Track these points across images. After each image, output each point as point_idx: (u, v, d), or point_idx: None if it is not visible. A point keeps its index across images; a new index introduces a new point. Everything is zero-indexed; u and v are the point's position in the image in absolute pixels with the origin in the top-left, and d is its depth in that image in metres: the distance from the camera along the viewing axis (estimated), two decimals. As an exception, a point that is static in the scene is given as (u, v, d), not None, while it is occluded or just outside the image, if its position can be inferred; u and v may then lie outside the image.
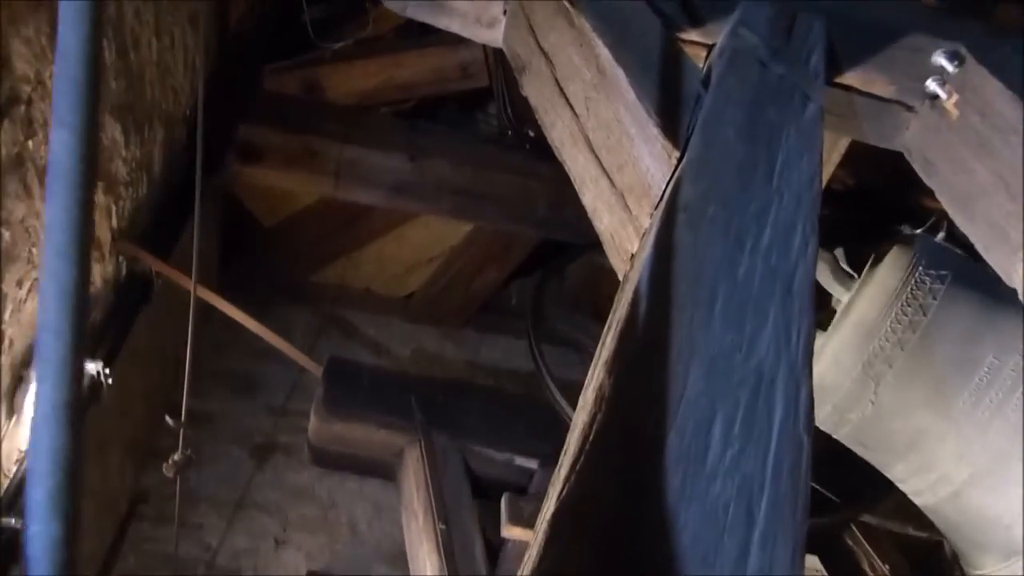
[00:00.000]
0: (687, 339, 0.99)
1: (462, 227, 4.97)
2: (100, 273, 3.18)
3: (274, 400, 4.68)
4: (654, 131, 1.54)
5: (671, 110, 1.55)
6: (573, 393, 3.41)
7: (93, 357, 2.90)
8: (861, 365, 2.15)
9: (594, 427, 0.87)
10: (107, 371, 2.91)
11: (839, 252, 2.39)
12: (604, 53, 1.61)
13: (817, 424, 1.89)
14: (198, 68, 3.29)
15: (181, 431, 2.82)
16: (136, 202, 3.50)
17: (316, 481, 4.31)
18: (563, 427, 3.13)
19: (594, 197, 1.72)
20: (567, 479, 0.81)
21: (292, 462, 4.38)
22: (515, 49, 1.99)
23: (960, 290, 2.26)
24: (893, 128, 2.12)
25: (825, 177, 2.39)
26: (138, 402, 3.80)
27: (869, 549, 3.42)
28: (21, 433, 2.67)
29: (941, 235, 4.10)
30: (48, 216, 0.87)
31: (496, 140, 4.63)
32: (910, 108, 2.04)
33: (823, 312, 2.26)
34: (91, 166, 0.87)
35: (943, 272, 2.32)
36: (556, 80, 1.84)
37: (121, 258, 3.33)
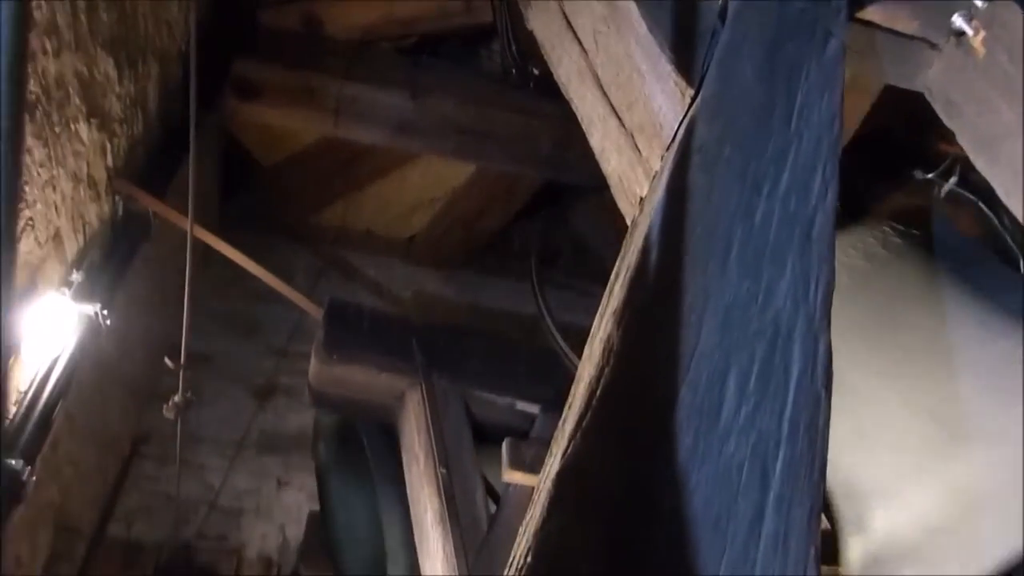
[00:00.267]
0: (701, 288, 0.94)
1: (465, 168, 4.88)
2: (97, 212, 3.12)
3: (275, 341, 4.66)
4: (667, 67, 1.46)
5: (685, 45, 1.47)
6: (575, 336, 3.38)
7: (90, 298, 2.87)
8: None
9: (601, 381, 0.82)
10: (105, 312, 2.88)
11: None
12: (615, -17, 1.52)
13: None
14: (191, 1, 3.18)
15: (181, 373, 2.79)
16: (132, 140, 3.42)
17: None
18: (565, 372, 3.10)
19: (602, 137, 1.65)
20: (572, 436, 0.77)
21: (294, 403, 4.39)
22: (521, -20, 1.89)
23: (914, 254, 2.25)
24: (915, 67, 2.03)
25: (855, 123, 2.31)
26: (139, 343, 3.78)
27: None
28: (19, 373, 2.65)
29: (954, 180, 4.02)
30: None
31: (500, 78, 4.50)
32: (934, 46, 1.95)
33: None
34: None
35: (912, 230, 2.32)
36: (564, 13, 1.75)
37: (118, 197, 3.27)
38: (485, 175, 4.88)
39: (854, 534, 1.88)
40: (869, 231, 2.18)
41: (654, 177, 1.39)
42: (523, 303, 5.03)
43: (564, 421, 0.95)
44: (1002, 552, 1.80)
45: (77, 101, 2.76)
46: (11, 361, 2.56)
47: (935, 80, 2.01)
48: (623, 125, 1.56)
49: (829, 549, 1.91)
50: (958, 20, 1.85)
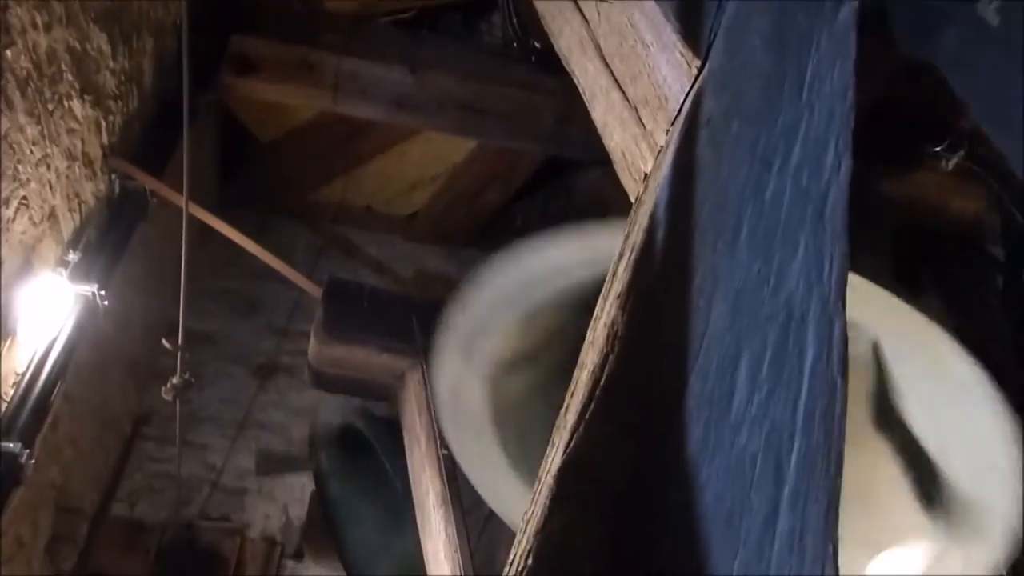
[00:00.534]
0: (710, 270, 0.89)
1: (465, 144, 4.81)
2: (92, 191, 3.08)
3: (276, 320, 4.63)
4: (672, 37, 1.40)
5: (691, 15, 1.41)
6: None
7: (87, 279, 2.83)
8: None
9: (605, 369, 0.78)
10: (102, 293, 2.84)
11: None
12: (618, -50, 1.46)
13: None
14: (185, -28, 3.11)
15: (179, 354, 2.76)
16: (127, 117, 3.36)
17: (320, 401, 4.29)
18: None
19: (604, 111, 1.59)
20: (575, 428, 0.73)
21: (295, 382, 4.37)
22: (520, -52, 1.83)
23: None
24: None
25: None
26: (137, 323, 3.75)
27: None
28: (16, 355, 2.62)
29: (962, 153, 3.95)
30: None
31: (500, 52, 4.42)
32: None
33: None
34: None
35: None
36: (565, -18, 1.69)
37: (114, 175, 3.22)
38: (486, 151, 4.82)
39: None
40: None
41: (659, 152, 1.34)
42: (525, 280, 4.98)
43: (566, 410, 0.90)
44: None
45: (70, 77, 2.71)
46: (7, 343, 2.53)
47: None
48: (626, 98, 1.50)
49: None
50: (973, -13, 1.79)
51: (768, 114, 1.19)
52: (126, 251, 3.17)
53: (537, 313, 1.88)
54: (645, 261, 0.90)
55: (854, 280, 0.93)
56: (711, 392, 0.77)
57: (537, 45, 4.33)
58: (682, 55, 1.36)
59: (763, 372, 0.81)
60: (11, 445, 2.44)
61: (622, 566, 0.63)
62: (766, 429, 0.75)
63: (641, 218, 1.05)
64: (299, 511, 3.93)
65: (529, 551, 0.64)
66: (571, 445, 0.71)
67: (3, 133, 2.33)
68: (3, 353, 2.53)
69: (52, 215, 2.73)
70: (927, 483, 1.75)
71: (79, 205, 2.93)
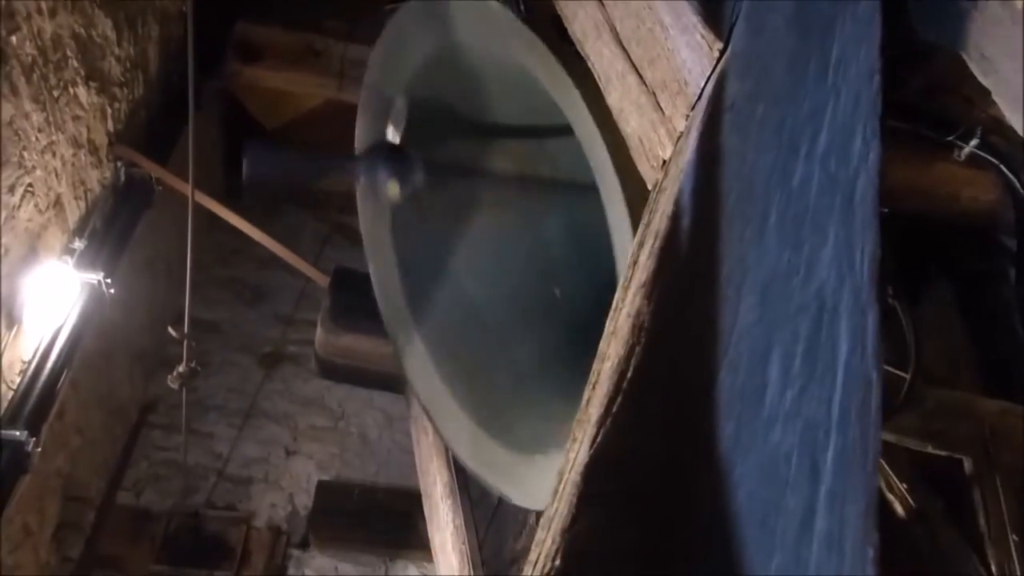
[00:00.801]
0: (738, 259, 0.85)
1: (474, 131, 4.76)
2: (98, 178, 3.05)
3: (282, 309, 4.61)
4: (692, 19, 1.36)
5: (712, -4, 1.37)
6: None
7: (93, 266, 2.80)
8: None
9: (632, 362, 0.74)
10: (108, 281, 2.82)
11: None
12: (635, -73, 1.42)
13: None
14: (190, -43, 3.06)
15: (185, 342, 2.73)
16: (132, 104, 3.33)
17: (326, 391, 4.28)
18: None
19: (620, 96, 1.55)
20: (601, 422, 0.70)
21: (301, 371, 4.35)
22: (533, -72, 1.79)
23: None
24: (949, 21, 1.93)
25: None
26: (144, 311, 3.73)
27: (886, 467, 3.36)
28: (22, 343, 2.60)
29: (975, 143, 3.89)
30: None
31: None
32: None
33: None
34: None
35: None
36: (579, -37, 1.64)
37: (119, 163, 3.19)
38: (495, 140, 4.77)
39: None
40: None
41: (679, 138, 1.30)
42: (533, 270, 4.95)
43: (587, 403, 0.87)
44: None
45: (75, 63, 2.68)
46: (13, 331, 2.51)
47: (970, 34, 1.91)
48: (644, 82, 1.46)
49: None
50: (999, -30, 1.75)
51: (793, 98, 1.16)
52: (132, 239, 3.15)
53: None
54: (670, 250, 0.87)
55: None
56: (742, 387, 0.73)
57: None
58: (703, 37, 1.32)
59: (796, 366, 0.77)
60: (17, 433, 2.42)
61: (655, 569, 0.60)
62: (800, 426, 0.72)
63: (664, 205, 1.02)
64: (305, 500, 3.92)
65: (556, 551, 0.61)
66: (597, 441, 0.68)
67: (8, 119, 2.30)
68: (9, 341, 2.50)
69: (58, 203, 2.70)
70: None
71: (84, 193, 2.90)
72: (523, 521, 2.40)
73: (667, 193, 1.09)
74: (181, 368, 2.77)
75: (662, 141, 1.40)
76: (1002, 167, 3.98)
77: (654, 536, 0.62)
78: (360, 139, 2.28)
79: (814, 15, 1.34)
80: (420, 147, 2.16)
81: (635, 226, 1.64)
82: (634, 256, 1.09)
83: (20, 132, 2.40)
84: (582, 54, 1.72)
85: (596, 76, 1.66)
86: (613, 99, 1.60)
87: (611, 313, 1.05)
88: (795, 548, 0.63)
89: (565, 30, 1.73)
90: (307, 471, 4.04)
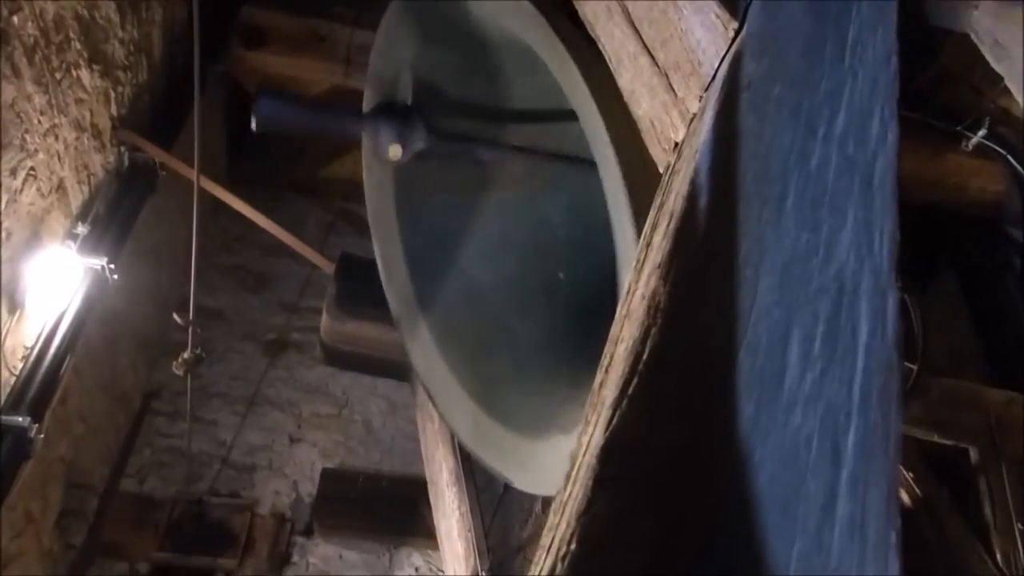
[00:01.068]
0: (756, 239, 0.83)
1: (479, 119, 4.74)
2: (101, 163, 3.03)
3: (286, 296, 4.60)
4: (707, -1, 1.33)
5: (726, -25, 1.34)
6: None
7: (96, 252, 2.79)
8: None
9: (648, 343, 0.73)
10: (112, 266, 2.80)
11: None
12: (647, -96, 1.39)
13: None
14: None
15: (190, 329, 2.72)
16: (136, 88, 3.31)
17: (330, 378, 4.27)
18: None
19: (632, 78, 1.53)
20: (616, 405, 0.68)
21: (305, 359, 4.34)
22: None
23: None
24: (963, 6, 1.90)
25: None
26: (147, 297, 3.72)
27: (892, 455, 3.33)
28: (24, 329, 2.59)
29: (983, 133, 3.87)
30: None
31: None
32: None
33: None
34: None
35: None
36: (590, -57, 1.62)
37: (123, 148, 3.18)
38: (500, 127, 4.75)
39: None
40: None
41: (692, 119, 1.28)
42: (538, 259, 4.94)
43: (600, 386, 0.86)
44: None
45: (78, 46, 2.65)
46: (15, 316, 2.49)
47: (982, 21, 1.89)
48: (656, 64, 1.44)
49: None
50: (1012, -46, 1.72)
51: (810, 79, 1.13)
52: (136, 225, 3.13)
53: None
54: (687, 230, 0.85)
55: None
56: (761, 369, 0.71)
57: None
58: (718, 17, 1.30)
59: (816, 349, 0.76)
60: (20, 419, 2.41)
61: (674, 554, 0.58)
62: (821, 409, 0.70)
63: (678, 186, 0.99)
64: (309, 488, 3.92)
65: (572, 535, 0.59)
66: (614, 423, 0.66)
67: (9, 101, 2.28)
68: (11, 326, 2.49)
69: (60, 187, 2.69)
70: None
71: (88, 177, 2.89)
72: (529, 509, 2.39)
73: (681, 174, 1.07)
74: (185, 355, 2.76)
75: (674, 123, 1.38)
76: (1009, 158, 3.95)
77: (672, 520, 0.61)
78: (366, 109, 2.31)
79: (830, -4, 1.32)
80: (425, 119, 2.17)
81: (634, 202, 1.62)
82: (647, 238, 1.07)
83: (22, 114, 2.38)
84: (593, 36, 1.70)
85: (607, 58, 1.64)
86: (624, 81, 1.58)
87: (623, 296, 1.04)
88: (817, 533, 0.61)
89: (576, 13, 1.71)
90: (311, 458, 4.04)
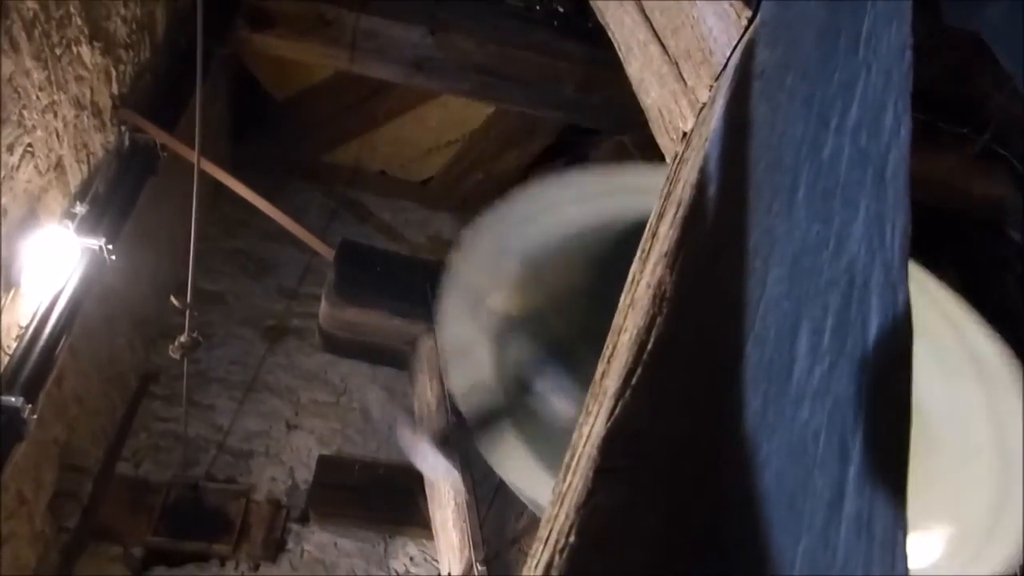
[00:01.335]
0: (765, 230, 0.81)
1: (483, 109, 4.71)
2: (101, 142, 3.00)
3: (286, 282, 4.58)
4: (720, -14, 1.31)
5: (740, -37, 1.32)
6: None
7: (95, 232, 2.77)
8: None
9: (653, 332, 0.71)
10: (110, 247, 2.78)
11: None
12: None
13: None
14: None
15: (187, 312, 2.70)
16: (138, 67, 3.28)
17: (328, 365, 4.26)
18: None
19: (641, 66, 1.51)
20: (619, 395, 0.66)
21: (304, 346, 4.32)
22: None
23: None
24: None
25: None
26: (147, 279, 3.70)
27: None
28: (20, 308, 2.57)
29: (988, 136, 3.84)
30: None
31: (523, 14, 4.30)
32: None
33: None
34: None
35: None
36: (601, -72, 1.59)
37: (123, 127, 3.15)
38: (504, 117, 4.72)
39: None
40: None
41: (702, 109, 1.26)
42: (539, 251, 4.91)
43: (602, 376, 0.84)
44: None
45: (79, 22, 2.62)
46: (10, 295, 2.47)
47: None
48: (666, 52, 1.42)
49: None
50: (1029, -48, 1.70)
51: (823, 70, 1.11)
52: (135, 205, 3.10)
53: (541, 265, 1.79)
54: (695, 218, 0.83)
55: None
56: (769, 362, 0.69)
57: (560, 9, 4.21)
58: (731, 5, 1.27)
59: (825, 342, 0.74)
60: (13, 399, 2.39)
61: (677, 549, 0.57)
62: (829, 404, 0.68)
63: (687, 174, 0.97)
64: (305, 474, 3.90)
65: (571, 527, 0.57)
66: (615, 414, 0.64)
67: (7, 76, 2.25)
68: (6, 305, 2.47)
69: (59, 165, 2.66)
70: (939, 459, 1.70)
71: (87, 156, 2.86)
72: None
73: (689, 164, 1.05)
74: (183, 338, 2.74)
75: (683, 113, 1.36)
76: (1014, 161, 3.93)
77: (675, 514, 0.59)
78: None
79: (845, -14, 1.29)
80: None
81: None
82: (652, 228, 1.05)
83: (20, 90, 2.35)
84: (602, 23, 1.67)
85: (616, 46, 1.62)
86: (633, 69, 1.56)
87: (627, 286, 1.02)
88: (823, 531, 0.59)
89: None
90: (308, 445, 4.02)
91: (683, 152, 1.19)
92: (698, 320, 0.73)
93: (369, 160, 5.16)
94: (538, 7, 4.30)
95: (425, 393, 2.70)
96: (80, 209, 2.75)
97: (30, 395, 2.44)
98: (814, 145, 0.97)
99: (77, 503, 3.37)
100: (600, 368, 0.90)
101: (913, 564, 0.62)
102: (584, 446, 0.70)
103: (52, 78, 2.48)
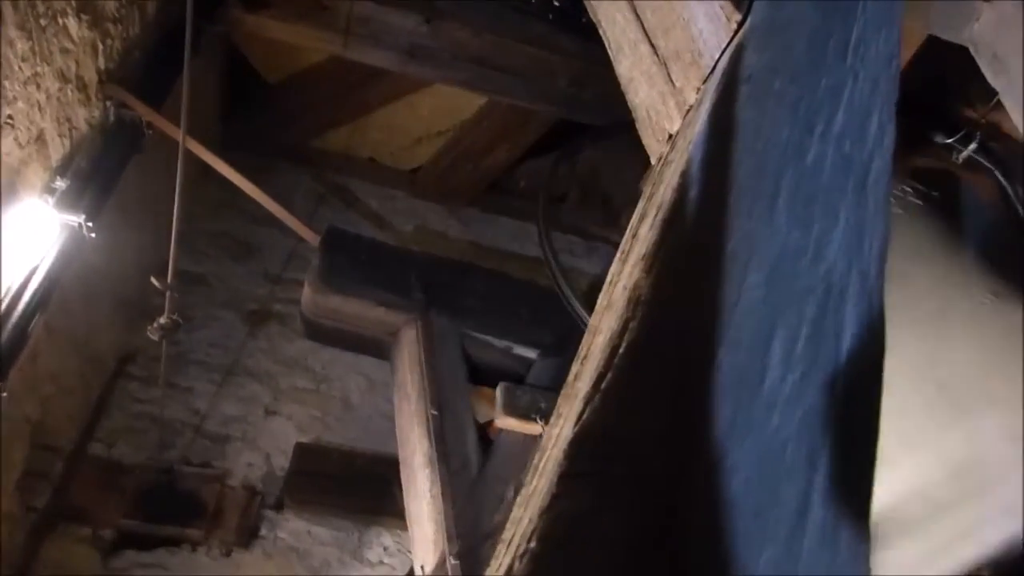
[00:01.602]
0: (745, 235, 0.81)
1: (475, 100, 4.69)
2: (85, 117, 2.96)
3: (271, 267, 4.55)
4: (712, -13, 1.30)
5: (734, -35, 1.31)
6: (577, 281, 3.26)
7: (75, 208, 2.73)
8: None
9: (626, 336, 0.70)
10: (90, 224, 2.75)
11: None
12: None
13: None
14: None
15: (168, 293, 2.67)
16: (127, 43, 3.23)
17: (310, 352, 4.23)
18: (566, 317, 2.99)
19: (631, 65, 1.50)
20: (589, 398, 0.65)
21: (287, 331, 4.29)
22: None
23: (933, 215, 2.12)
24: (963, 17, 1.88)
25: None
26: (128, 258, 3.66)
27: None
28: (-3, 282, 2.54)
29: (973, 146, 3.86)
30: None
31: (519, 6, 4.28)
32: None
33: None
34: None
35: (933, 192, 2.17)
36: (596, -76, 1.58)
37: (109, 103, 3.11)
38: (496, 109, 4.70)
39: None
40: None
41: (688, 110, 1.25)
42: (526, 244, 4.90)
43: (575, 378, 0.83)
44: (1002, 534, 1.73)
45: (67, -6, 2.59)
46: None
47: (982, 33, 1.86)
48: (656, 52, 1.41)
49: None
50: (1013, -30, 1.70)
51: (811, 75, 1.11)
52: (118, 183, 3.07)
53: None
54: (675, 221, 0.82)
55: None
56: (742, 368, 0.69)
57: (556, 3, 4.19)
58: (722, 7, 1.26)
59: (798, 350, 0.73)
60: (-4, 382, 2.36)
61: (642, 555, 0.56)
62: (799, 414, 0.68)
63: (670, 177, 0.97)
64: (282, 461, 3.88)
65: (533, 531, 0.56)
66: (584, 417, 0.63)
67: (-8, 47, 2.22)
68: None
69: (40, 138, 2.62)
70: None
71: (70, 131, 2.82)
72: (501, 496, 2.37)
73: (673, 166, 1.04)
74: (162, 320, 2.71)
75: (670, 114, 1.35)
76: (997, 173, 3.96)
77: (641, 521, 0.58)
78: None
79: (838, -8, 1.29)
80: None
81: None
82: (633, 229, 1.04)
83: (2, 60, 2.31)
84: (593, 20, 1.66)
85: (607, 44, 1.61)
86: (623, 68, 1.55)
87: (605, 287, 1.01)
88: (788, 541, 0.59)
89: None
90: (286, 432, 4.00)
91: (668, 154, 1.19)
92: (673, 324, 0.73)
93: (359, 146, 5.12)
94: (533, 0, 4.28)
95: (405, 384, 2.69)
96: (60, 184, 2.72)
97: (1, 372, 2.41)
98: (798, 151, 0.97)
99: (47, 483, 3.33)
100: (574, 369, 0.89)
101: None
102: (552, 448, 0.70)
103: (36, 49, 2.44)
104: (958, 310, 1.93)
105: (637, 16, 1.49)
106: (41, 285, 2.57)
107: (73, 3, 2.62)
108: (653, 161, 1.34)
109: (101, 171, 2.97)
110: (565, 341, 2.91)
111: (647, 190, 1.13)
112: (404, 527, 3.21)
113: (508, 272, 4.23)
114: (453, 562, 2.26)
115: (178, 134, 2.64)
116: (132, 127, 3.13)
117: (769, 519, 0.60)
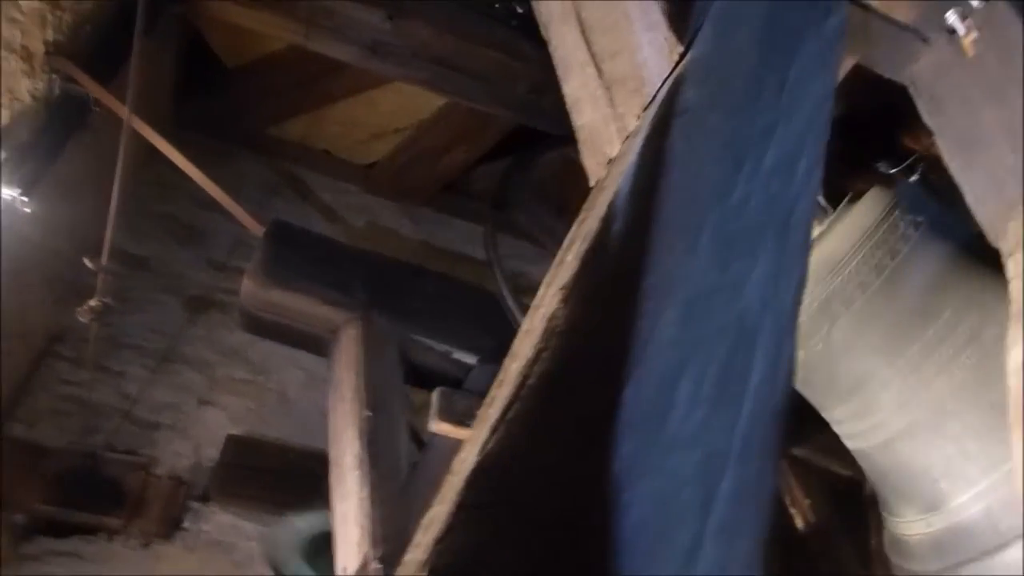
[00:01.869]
0: (666, 271, 0.82)
1: (435, 100, 4.67)
2: (28, 88, 2.88)
3: (216, 254, 4.46)
4: (658, 17, 1.32)
5: (683, -5, 1.33)
6: (525, 288, 3.27)
7: (11, 181, 2.65)
8: (819, 303, 2.06)
9: (535, 367, 0.71)
10: (25, 199, 2.67)
11: None
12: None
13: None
14: None
15: (100, 275, 2.61)
16: (78, 16, 3.15)
17: (249, 343, 4.16)
18: (509, 325, 3.00)
19: (577, 87, 1.51)
20: (495, 427, 0.66)
21: (227, 320, 4.22)
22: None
23: (932, 240, 2.17)
24: (903, 58, 1.94)
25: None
26: (65, 236, 3.56)
27: (793, 482, 3.41)
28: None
29: (915, 178, 3.97)
30: None
31: (484, 9, 4.28)
32: (925, 39, 1.85)
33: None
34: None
35: (919, 218, 2.21)
36: (554, -58, 1.59)
37: (55, 76, 3.02)
38: (455, 110, 4.69)
39: (913, 518, 1.90)
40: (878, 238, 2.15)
41: (627, 138, 1.27)
42: (478, 247, 4.89)
43: (490, 403, 0.83)
44: None
45: (16, -37, 2.51)
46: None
47: (921, 75, 1.92)
48: (601, 76, 1.43)
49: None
50: (951, 17, 1.75)
51: (746, 112, 1.13)
52: (59, 157, 2.98)
53: None
54: (596, 253, 0.83)
55: None
56: (648, 406, 0.70)
57: (520, 10, 4.21)
58: (667, 39, 1.29)
59: (705, 390, 0.75)
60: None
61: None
62: (699, 455, 0.69)
63: (599, 206, 0.98)
64: (211, 452, 3.81)
65: (425, 563, 0.56)
66: (489, 446, 0.64)
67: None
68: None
69: (-21, 108, 2.54)
70: None
71: (11, 102, 2.74)
72: (428, 503, 2.36)
73: (605, 192, 1.06)
74: (92, 302, 2.65)
75: (611, 138, 1.36)
76: (939, 204, 4.08)
77: (535, 557, 0.59)
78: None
79: (780, 30, 1.31)
80: None
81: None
82: (560, 255, 1.05)
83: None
84: (545, 38, 1.67)
85: (555, 63, 1.62)
86: (570, 88, 1.56)
87: (530, 311, 1.02)
88: (675, 582, 0.60)
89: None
90: (219, 423, 3.93)
91: (603, 180, 1.20)
92: (586, 357, 0.73)
93: (316, 138, 5.07)
94: (497, 4, 4.28)
95: (341, 384, 2.67)
96: (-2, 156, 2.64)
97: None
98: (725, 189, 0.98)
99: (-39, 461, 3.23)
100: (491, 392, 0.89)
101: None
102: (456, 475, 0.70)
103: (-21, 18, 2.37)
104: (993, 331, 1.98)
105: (586, 39, 1.50)
106: (-33, 259, 2.49)
107: (21, -27, 2.54)
108: (591, 184, 1.35)
109: (41, 144, 2.88)
110: (505, 348, 2.93)
111: (581, 215, 1.14)
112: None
113: (458, 275, 4.23)
114: (376, 566, 2.24)
115: (122, 110, 2.58)
116: (78, 102, 3.05)
117: (659, 560, 0.61)
